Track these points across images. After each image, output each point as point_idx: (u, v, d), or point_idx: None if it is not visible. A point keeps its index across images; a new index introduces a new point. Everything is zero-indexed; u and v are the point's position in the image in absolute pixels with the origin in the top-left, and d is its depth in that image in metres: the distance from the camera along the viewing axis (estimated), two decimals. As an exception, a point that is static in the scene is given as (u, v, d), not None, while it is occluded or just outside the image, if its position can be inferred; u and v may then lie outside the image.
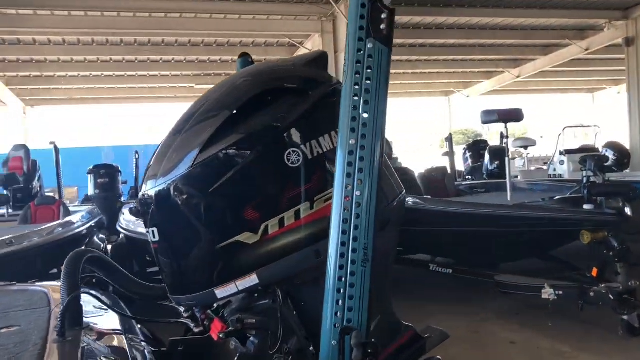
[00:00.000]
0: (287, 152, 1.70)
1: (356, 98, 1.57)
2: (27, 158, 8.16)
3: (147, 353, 1.80)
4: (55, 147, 7.99)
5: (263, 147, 1.70)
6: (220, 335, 1.78)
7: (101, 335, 1.77)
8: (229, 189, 1.70)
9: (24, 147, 8.39)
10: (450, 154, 9.89)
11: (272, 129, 1.71)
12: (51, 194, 8.39)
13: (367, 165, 1.56)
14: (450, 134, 10.49)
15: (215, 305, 1.93)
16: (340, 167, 1.58)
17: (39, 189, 8.56)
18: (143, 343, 1.85)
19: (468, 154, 12.16)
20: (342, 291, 1.56)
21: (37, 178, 8.57)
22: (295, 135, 1.72)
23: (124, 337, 1.80)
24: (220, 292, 1.74)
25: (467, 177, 11.73)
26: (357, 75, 1.56)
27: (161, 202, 1.73)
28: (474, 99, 21.97)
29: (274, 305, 1.81)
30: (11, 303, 2.11)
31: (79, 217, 6.07)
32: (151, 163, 1.81)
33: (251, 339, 1.85)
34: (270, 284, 1.79)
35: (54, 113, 23.84)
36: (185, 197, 1.71)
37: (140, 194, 1.80)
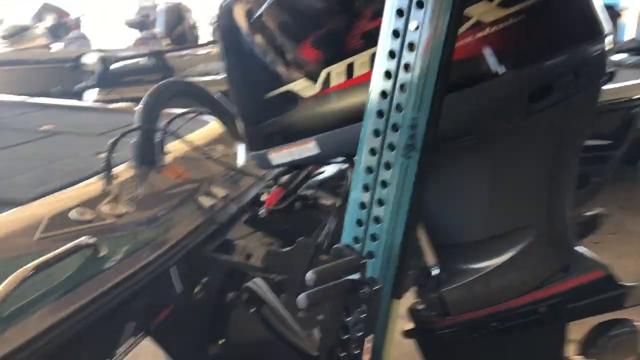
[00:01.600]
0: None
1: None
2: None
3: (215, 213, 1.50)
4: None
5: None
6: (261, 211, 1.36)
7: (169, 181, 1.54)
8: (277, 16, 1.18)
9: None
10: None
11: None
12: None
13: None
14: None
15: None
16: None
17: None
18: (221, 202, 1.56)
19: None
20: (369, 190, 0.95)
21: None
22: None
23: (200, 186, 1.55)
24: (275, 156, 1.30)
25: None
26: None
27: (217, 31, 1.32)
28: None
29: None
30: None
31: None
32: None
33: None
34: (334, 158, 1.27)
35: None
36: (231, 26, 1.26)
37: None
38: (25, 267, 0.95)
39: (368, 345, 0.87)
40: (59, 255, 1.02)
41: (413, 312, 1.44)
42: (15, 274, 0.92)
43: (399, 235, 0.92)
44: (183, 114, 1.75)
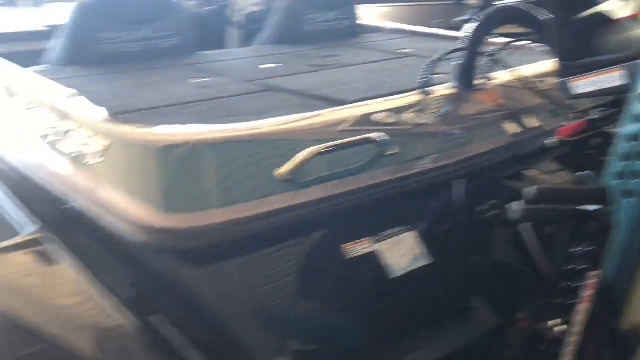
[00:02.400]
0: None
1: None
2: None
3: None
4: None
5: None
6: (549, 140, 1.26)
7: (481, 105, 1.55)
8: None
9: None
10: None
11: None
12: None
13: None
14: None
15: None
16: None
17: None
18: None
19: None
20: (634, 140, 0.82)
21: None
22: None
23: (511, 113, 1.54)
24: (576, 85, 1.21)
25: None
26: None
27: None
28: None
29: None
30: None
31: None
32: None
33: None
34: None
35: None
36: None
37: None
38: (318, 146, 1.17)
39: (593, 280, 0.79)
40: (349, 142, 1.21)
41: None
42: (308, 149, 1.15)
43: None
44: (515, 41, 1.72)
